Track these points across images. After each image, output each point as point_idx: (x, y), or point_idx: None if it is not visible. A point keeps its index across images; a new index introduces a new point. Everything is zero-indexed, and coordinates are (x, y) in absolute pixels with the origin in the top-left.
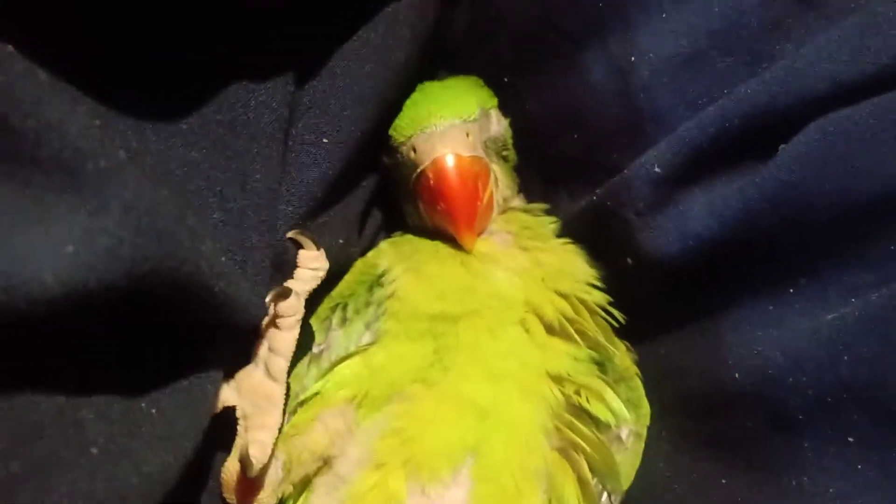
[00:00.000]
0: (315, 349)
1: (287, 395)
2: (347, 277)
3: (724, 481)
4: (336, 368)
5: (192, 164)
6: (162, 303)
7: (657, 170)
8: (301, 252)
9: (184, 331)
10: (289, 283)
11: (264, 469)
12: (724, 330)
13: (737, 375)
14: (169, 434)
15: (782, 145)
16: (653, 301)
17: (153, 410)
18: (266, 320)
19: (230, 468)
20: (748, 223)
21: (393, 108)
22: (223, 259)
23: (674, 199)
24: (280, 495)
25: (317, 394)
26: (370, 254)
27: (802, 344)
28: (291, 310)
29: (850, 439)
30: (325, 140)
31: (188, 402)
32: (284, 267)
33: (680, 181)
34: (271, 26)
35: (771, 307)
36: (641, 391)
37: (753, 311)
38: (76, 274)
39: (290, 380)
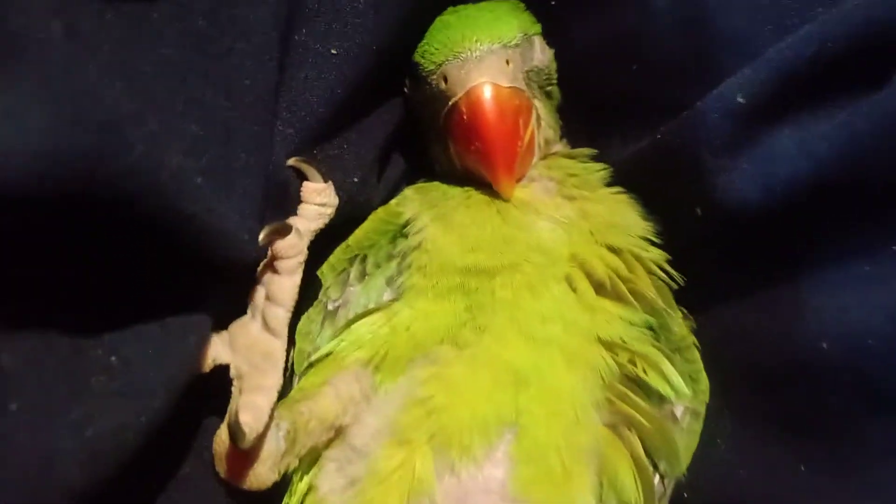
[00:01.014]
0: (330, 306)
1: (289, 352)
2: (366, 225)
3: (802, 468)
4: (353, 327)
5: (164, 61)
6: (114, 219)
7: (740, 100)
8: (305, 184)
9: (153, 263)
10: (290, 220)
11: (259, 439)
12: (808, 292)
13: (824, 345)
14: (131, 389)
15: None
16: (720, 259)
17: (112, 358)
18: (263, 263)
19: (222, 437)
20: (849, 164)
21: (416, 28)
22: (199, 180)
23: (758, 135)
24: (283, 470)
25: (329, 354)
26: (393, 201)
27: None
28: (292, 250)
29: None
30: (333, 51)
31: (161, 351)
32: (285, 201)
33: (767, 114)
34: None
35: (867, 266)
36: (700, 364)
37: (845, 271)
38: None
39: (298, 338)
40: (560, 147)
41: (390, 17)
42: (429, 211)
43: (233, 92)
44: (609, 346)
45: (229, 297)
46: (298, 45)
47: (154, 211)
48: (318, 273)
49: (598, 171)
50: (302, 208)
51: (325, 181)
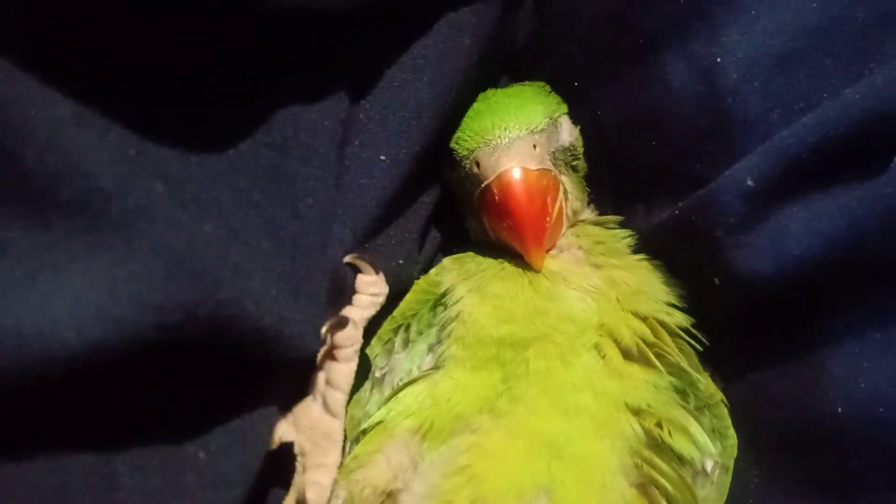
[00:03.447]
0: (377, 373)
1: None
2: (409, 297)
3: None
4: (399, 396)
5: (240, 191)
6: (204, 347)
7: (750, 183)
8: (359, 277)
9: (233, 369)
10: (346, 311)
11: None
12: (825, 358)
13: (839, 410)
14: (217, 480)
15: None
16: (742, 325)
17: (201, 454)
18: (323, 350)
19: None
20: (854, 243)
21: (454, 118)
22: (273, 292)
23: (769, 215)
24: None
25: (379, 422)
26: (432, 271)
27: None
28: (349, 340)
29: None
30: (382, 157)
31: (239, 443)
32: (341, 293)
33: (776, 195)
34: (323, 44)
35: (878, 334)
36: (728, 420)
37: (858, 339)
38: (99, 327)
39: (350, 405)
40: (588, 214)
41: (431, 122)
42: (465, 282)
43: (298, 210)
44: (636, 411)
45: (289, 384)
46: (351, 155)
47: (239, 333)
48: (367, 350)
49: (624, 239)
50: (357, 298)
51: (377, 272)
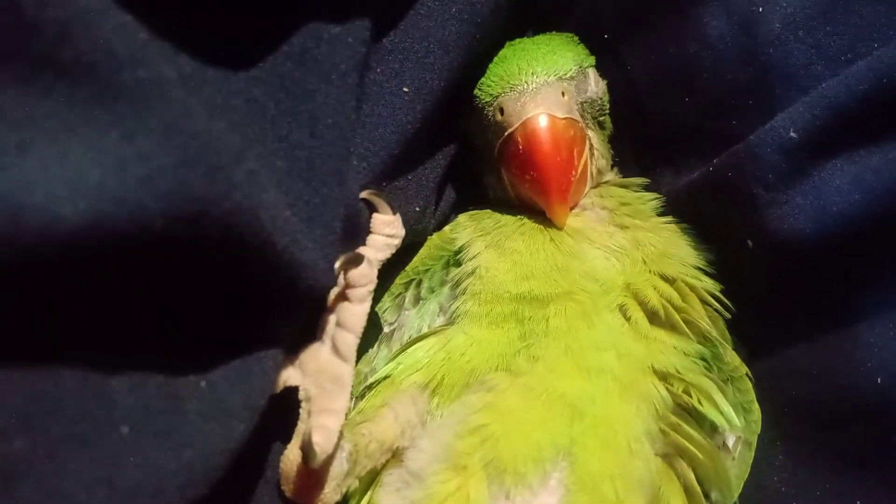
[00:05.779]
0: (386, 328)
1: None
2: (422, 252)
3: (859, 502)
4: (409, 350)
5: (255, 101)
6: (214, 257)
7: (793, 135)
8: (375, 216)
9: (242, 296)
10: (361, 250)
11: (328, 460)
12: (863, 327)
13: (879, 380)
14: (219, 413)
15: None
16: (774, 291)
17: (202, 383)
18: (334, 291)
19: (290, 457)
20: None
21: (478, 65)
22: (287, 213)
23: (811, 170)
24: (345, 491)
25: (387, 377)
26: (447, 228)
27: None
28: (363, 279)
29: None
30: (405, 89)
31: (244, 377)
32: (356, 232)
33: (820, 149)
34: None
35: None
36: (752, 394)
37: None
38: (101, 207)
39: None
40: (612, 176)
41: (457, 58)
42: (482, 238)
43: (316, 130)
44: (663, 375)
45: (298, 323)
46: (373, 83)
47: (252, 246)
48: (377, 308)
49: (651, 201)
50: (371, 238)
51: (394, 213)
